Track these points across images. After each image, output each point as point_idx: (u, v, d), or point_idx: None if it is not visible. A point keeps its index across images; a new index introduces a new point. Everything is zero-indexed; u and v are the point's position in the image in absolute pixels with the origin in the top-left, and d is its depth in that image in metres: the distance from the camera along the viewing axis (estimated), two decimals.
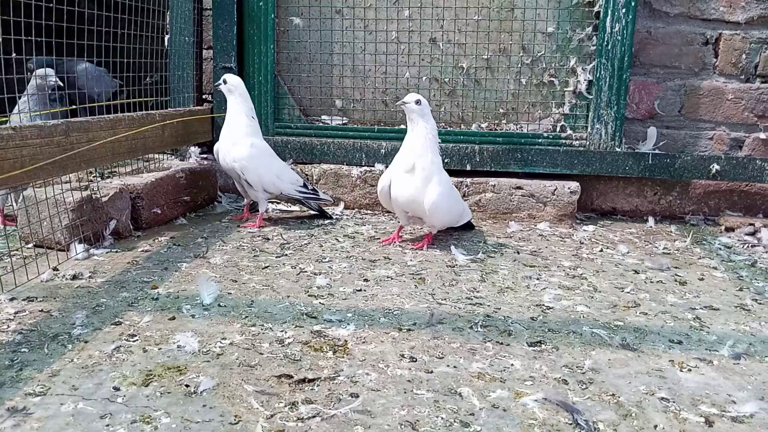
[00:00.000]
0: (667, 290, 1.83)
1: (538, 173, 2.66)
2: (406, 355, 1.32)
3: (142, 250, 1.98)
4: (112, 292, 1.61)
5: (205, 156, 2.80)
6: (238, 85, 2.34)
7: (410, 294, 1.70)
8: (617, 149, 2.63)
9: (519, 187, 2.61)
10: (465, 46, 2.69)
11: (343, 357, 1.30)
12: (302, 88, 2.80)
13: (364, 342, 1.38)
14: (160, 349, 1.30)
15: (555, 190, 2.59)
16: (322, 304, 1.60)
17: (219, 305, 1.55)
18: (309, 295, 1.65)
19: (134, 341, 1.33)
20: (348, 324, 1.46)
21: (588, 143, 2.65)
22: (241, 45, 2.74)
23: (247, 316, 1.49)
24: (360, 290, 1.71)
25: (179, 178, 2.38)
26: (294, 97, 2.82)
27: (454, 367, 1.28)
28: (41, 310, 1.47)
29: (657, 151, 2.66)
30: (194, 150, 2.73)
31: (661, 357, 1.37)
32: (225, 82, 2.33)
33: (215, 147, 2.39)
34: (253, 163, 2.28)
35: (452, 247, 2.11)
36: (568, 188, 2.59)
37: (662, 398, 1.18)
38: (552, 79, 2.67)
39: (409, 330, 1.45)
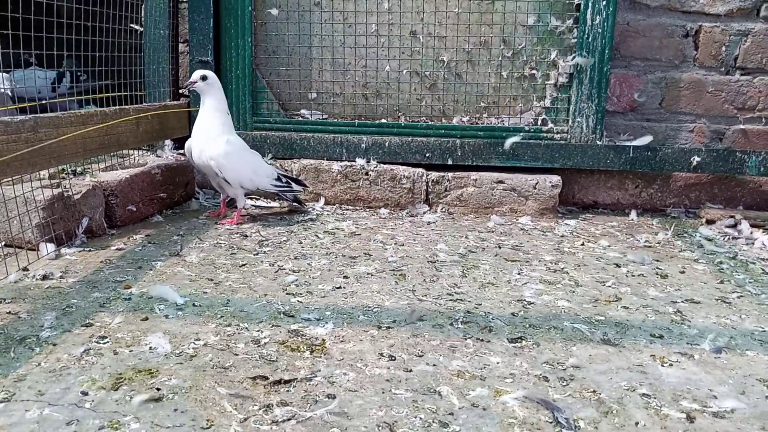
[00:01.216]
0: (648, 284, 1.82)
1: (519, 167, 2.64)
2: (385, 354, 1.29)
3: (116, 249, 1.94)
4: (84, 292, 1.57)
5: (180, 151, 2.74)
6: (215, 81, 2.30)
7: (390, 291, 1.67)
8: (598, 142, 2.63)
9: (501, 181, 2.60)
10: (446, 39, 2.67)
11: (321, 357, 1.27)
12: (281, 82, 2.76)
13: (342, 341, 1.35)
14: (131, 351, 1.26)
15: (536, 183, 2.58)
16: (300, 302, 1.57)
17: (194, 305, 1.51)
18: (287, 293, 1.62)
19: (105, 343, 1.29)
20: (326, 322, 1.43)
21: (569, 137, 2.64)
22: (218, 38, 2.69)
23: (222, 316, 1.45)
24: (339, 287, 1.68)
25: (155, 175, 2.33)
26: (273, 91, 2.77)
27: (434, 365, 1.25)
28: (9, 312, 1.42)
29: (637, 144, 2.65)
30: (168, 144, 2.67)
31: (642, 352, 1.36)
32: (204, 78, 2.27)
33: (187, 143, 2.33)
34: (230, 159, 2.23)
35: (435, 243, 2.09)
36: (550, 182, 2.58)
37: (643, 394, 1.17)
38: (533, 72, 2.66)
39: (389, 328, 1.42)
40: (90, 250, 1.91)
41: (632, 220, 2.65)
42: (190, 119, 2.70)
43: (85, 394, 1.09)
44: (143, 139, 2.31)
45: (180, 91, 2.85)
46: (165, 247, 1.97)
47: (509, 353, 1.32)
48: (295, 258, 1.93)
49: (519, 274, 1.86)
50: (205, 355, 1.25)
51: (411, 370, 1.23)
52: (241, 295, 1.60)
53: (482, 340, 1.38)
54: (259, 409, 1.07)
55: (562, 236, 2.33)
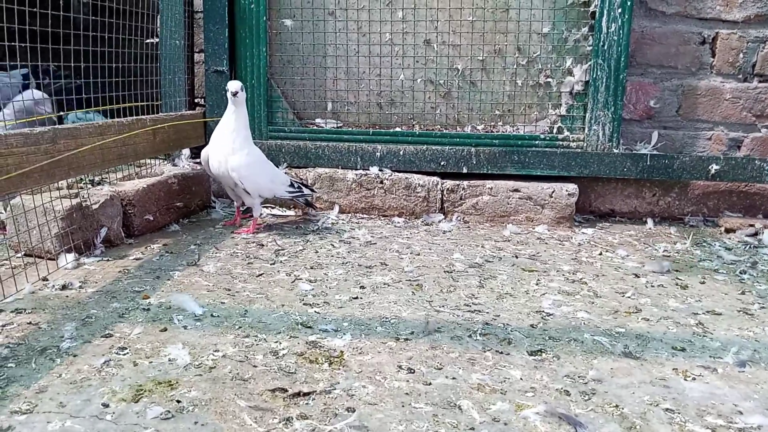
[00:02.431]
0: (668, 294, 1.80)
1: (535, 175, 2.63)
2: (404, 366, 1.28)
3: (134, 258, 1.94)
4: (103, 302, 1.57)
5: (197, 160, 2.76)
6: (244, 95, 2.32)
7: (407, 301, 1.67)
8: (615, 150, 2.61)
9: (516, 190, 2.58)
10: (460, 47, 2.67)
11: (339, 369, 1.26)
12: (296, 91, 2.77)
13: (360, 353, 1.34)
14: (150, 362, 1.26)
15: (553, 192, 2.56)
16: (318, 312, 1.56)
17: (212, 315, 1.51)
18: (304, 304, 1.62)
19: (124, 354, 1.29)
20: (344, 334, 1.43)
21: (585, 144, 2.62)
22: (233, 48, 2.70)
23: (240, 327, 1.45)
24: (356, 298, 1.68)
25: (171, 184, 2.34)
26: (287, 100, 2.78)
27: (453, 378, 1.24)
28: (29, 323, 1.43)
29: (655, 152, 2.63)
30: (186, 153, 2.69)
31: (664, 365, 1.34)
32: (242, 90, 2.26)
33: (204, 153, 2.33)
34: (251, 170, 2.24)
35: (451, 252, 2.08)
36: (566, 190, 2.57)
37: (667, 409, 1.15)
38: (548, 80, 2.65)
39: (407, 339, 1.42)
40: (108, 260, 1.92)
41: (650, 228, 2.62)
42: (206, 129, 2.72)
43: (106, 406, 1.09)
44: (160, 148, 2.32)
45: (195, 100, 2.87)
46: (182, 257, 1.98)
47: (529, 366, 1.31)
48: (311, 267, 1.93)
49: (537, 284, 1.84)
50: (224, 366, 1.25)
51: (430, 384, 1.22)
52: (259, 305, 1.60)
53: (502, 353, 1.37)
54: (279, 422, 1.06)
55: (580, 245, 2.31)
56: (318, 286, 1.75)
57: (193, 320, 1.48)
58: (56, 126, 1.71)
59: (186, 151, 2.73)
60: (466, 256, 2.10)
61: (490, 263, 2.04)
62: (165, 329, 1.42)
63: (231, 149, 2.24)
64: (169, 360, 1.27)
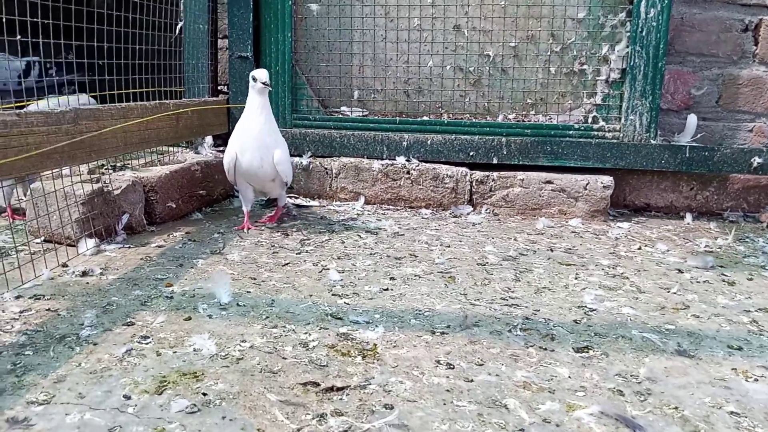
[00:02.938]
0: (715, 291, 1.70)
1: (568, 167, 2.53)
2: (442, 362, 1.20)
3: (156, 246, 1.88)
4: (124, 290, 1.51)
5: (221, 148, 2.70)
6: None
7: (440, 294, 1.58)
8: (652, 141, 2.50)
9: (549, 182, 2.49)
10: (491, 33, 2.57)
11: (374, 363, 1.19)
12: (321, 79, 2.69)
13: (395, 346, 1.26)
14: (175, 352, 1.19)
15: (587, 184, 2.46)
16: (347, 303, 1.49)
17: (238, 304, 1.44)
18: (333, 294, 1.54)
19: (147, 344, 1.23)
20: (376, 326, 1.35)
21: (621, 135, 2.52)
22: (258, 33, 2.63)
23: (267, 317, 1.38)
24: (387, 289, 1.60)
25: (194, 171, 2.28)
26: (312, 87, 2.71)
27: (497, 375, 1.16)
28: (48, 309, 1.37)
29: (694, 144, 2.52)
30: (209, 141, 2.62)
31: (721, 365, 1.24)
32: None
33: (231, 151, 2.07)
34: (288, 161, 2.15)
35: (482, 245, 2.00)
36: (601, 182, 2.47)
37: (732, 412, 1.06)
38: (583, 67, 2.54)
39: (443, 333, 1.34)
40: (130, 247, 1.86)
41: (688, 223, 2.51)
42: (230, 116, 2.65)
43: (127, 398, 1.02)
44: (183, 134, 2.26)
45: (219, 87, 2.81)
46: (206, 245, 1.91)
47: (576, 364, 1.22)
48: (339, 258, 1.85)
49: (576, 278, 1.75)
50: (252, 358, 1.18)
51: (472, 380, 1.13)
52: (286, 295, 1.52)
53: (545, 349, 1.28)
54: (313, 418, 0.99)
55: (617, 239, 2.21)
56: (346, 277, 1.67)
57: (219, 309, 1.41)
58: (78, 106, 1.65)
59: (209, 139, 2.67)
60: (498, 249, 2.01)
61: (525, 256, 1.95)
62: (189, 318, 1.35)
63: (273, 142, 2.09)
64: (194, 350, 1.20)
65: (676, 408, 1.07)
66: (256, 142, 2.07)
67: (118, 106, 1.82)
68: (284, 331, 1.31)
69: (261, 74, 2.07)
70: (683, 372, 1.21)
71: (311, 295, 1.53)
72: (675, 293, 1.67)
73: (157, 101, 2.08)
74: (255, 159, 2.06)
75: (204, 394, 1.04)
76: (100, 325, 1.30)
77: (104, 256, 1.77)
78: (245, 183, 2.11)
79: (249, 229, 2.11)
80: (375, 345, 1.26)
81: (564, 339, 1.34)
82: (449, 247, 2.02)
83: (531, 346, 1.29)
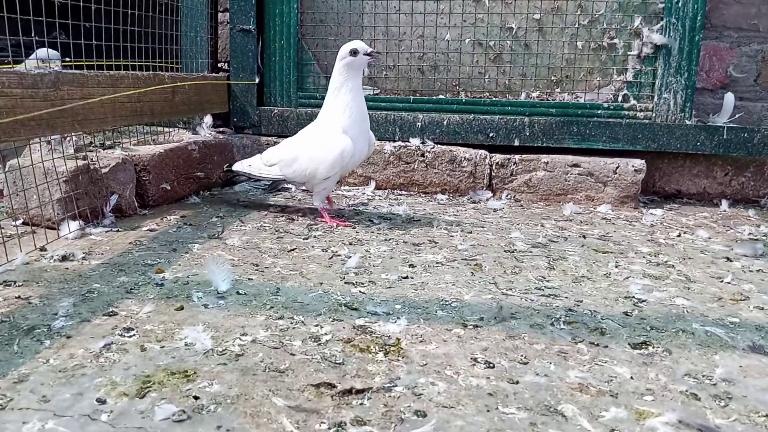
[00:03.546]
0: None
1: (596, 149, 2.34)
2: (479, 359, 1.01)
3: (148, 230, 1.70)
4: (108, 276, 1.33)
5: (220, 129, 2.51)
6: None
7: (467, 283, 1.40)
8: (687, 122, 2.31)
9: (576, 165, 2.30)
10: (513, 4, 2.38)
11: (398, 360, 1.00)
12: (329, 54, 2.50)
13: (421, 341, 1.08)
14: (162, 347, 1.01)
15: (617, 168, 2.27)
16: (363, 293, 1.30)
17: (238, 293, 1.25)
18: (346, 282, 1.36)
19: (130, 337, 1.04)
20: (398, 318, 1.16)
21: (654, 115, 2.33)
22: (261, 5, 2.44)
23: (272, 307, 1.19)
24: (406, 277, 1.41)
25: (192, 151, 2.09)
26: (320, 63, 2.52)
27: (545, 375, 0.97)
28: (18, 297, 1.19)
29: (732, 125, 2.32)
30: (207, 121, 2.43)
31: None
32: (355, 53, 1.79)
33: (343, 138, 1.78)
34: None
35: (508, 231, 1.81)
36: (632, 166, 2.27)
37: None
38: (613, 41, 2.35)
39: (476, 326, 1.15)
40: (118, 230, 1.67)
41: (724, 210, 2.32)
42: (230, 93, 2.47)
43: (102, 402, 0.84)
44: (179, 110, 2.07)
45: (219, 64, 2.62)
46: (203, 230, 1.73)
47: (637, 362, 1.03)
48: (350, 243, 1.66)
49: (616, 267, 1.56)
50: (254, 354, 0.99)
51: (517, 382, 0.95)
52: (293, 282, 1.34)
53: (597, 345, 1.10)
54: (329, 428, 0.80)
55: (652, 226, 2.03)
56: (360, 264, 1.49)
57: (216, 298, 1.22)
58: (60, 70, 1.47)
59: (208, 119, 2.47)
60: (526, 236, 1.82)
61: (555, 243, 1.76)
62: (181, 308, 1.17)
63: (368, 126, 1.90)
64: (186, 345, 1.02)
65: (767, 416, 0.88)
66: (364, 125, 1.86)
67: (107, 73, 1.64)
68: (292, 323, 1.12)
69: (361, 44, 1.80)
70: (763, 372, 1.02)
71: (321, 283, 1.34)
72: (729, 283, 1.48)
73: (152, 72, 1.89)
74: (364, 144, 1.87)
75: (196, 398, 0.86)
76: (76, 315, 1.11)
77: (89, 239, 1.58)
78: (338, 174, 1.86)
79: (339, 225, 1.84)
80: (398, 339, 1.08)
81: (617, 333, 1.15)
82: (471, 233, 1.84)
83: (580, 342, 1.10)
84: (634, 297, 1.35)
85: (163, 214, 1.87)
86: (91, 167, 1.67)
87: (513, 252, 1.66)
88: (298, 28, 2.45)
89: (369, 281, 1.38)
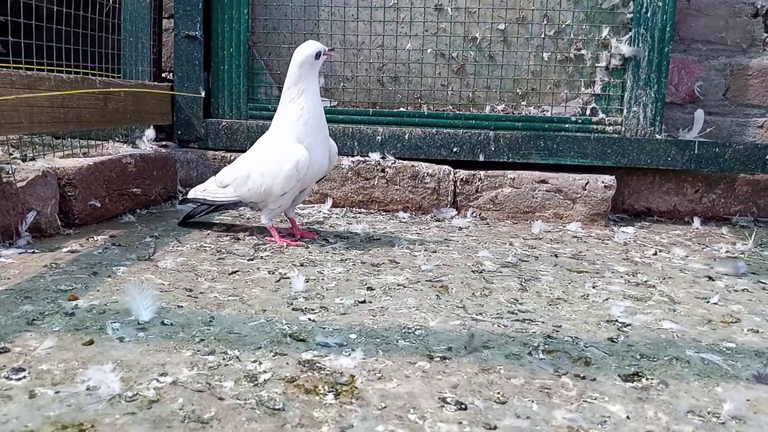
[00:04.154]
0: (761, 301, 1.40)
1: (564, 165, 2.22)
2: (449, 399, 0.85)
3: (69, 251, 1.49)
4: (9, 305, 1.12)
5: (164, 143, 2.31)
6: None
7: (432, 307, 1.24)
8: (657, 136, 2.22)
9: (543, 181, 2.18)
10: (476, 13, 2.27)
11: (351, 403, 0.83)
12: (282, 63, 2.34)
13: (380, 377, 0.90)
14: (57, 392, 0.81)
15: (587, 184, 2.16)
16: (313, 320, 1.12)
17: (162, 323, 1.06)
18: (293, 309, 1.18)
19: (19, 380, 0.84)
20: (352, 350, 0.99)
21: (623, 129, 2.23)
22: (209, 10, 2.28)
23: (202, 339, 1.01)
24: (363, 302, 1.24)
25: (127, 165, 1.89)
26: (272, 73, 2.36)
27: (527, 417, 0.81)
28: None
29: (704, 139, 2.24)
30: (149, 135, 2.23)
31: None
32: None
33: (298, 148, 1.61)
34: None
35: (475, 250, 1.66)
36: (602, 182, 2.17)
37: None
38: (580, 53, 2.25)
39: (444, 358, 0.98)
40: (34, 252, 1.46)
41: (697, 228, 2.23)
42: (174, 104, 2.28)
43: None
44: (112, 120, 1.88)
45: (163, 74, 2.43)
46: (133, 250, 1.53)
47: (631, 398, 0.88)
48: (302, 265, 1.49)
49: (594, 287, 1.43)
50: (172, 399, 0.81)
51: (495, 427, 0.78)
52: (231, 310, 1.15)
53: (584, 378, 0.94)
54: None
55: (625, 244, 1.91)
56: (312, 287, 1.31)
57: (135, 329, 1.03)
58: None
59: (150, 132, 2.27)
60: (494, 255, 1.68)
61: (526, 262, 1.62)
62: (91, 342, 0.97)
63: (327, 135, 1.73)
64: (88, 389, 0.82)
65: None
66: (322, 133, 1.68)
67: (21, 72, 1.44)
68: (224, 358, 0.94)
69: (319, 44, 1.65)
70: None
71: (265, 310, 1.16)
72: (716, 304, 1.36)
73: (80, 74, 1.69)
74: (323, 154, 1.68)
75: None
76: None
77: None
78: (296, 189, 1.66)
79: (289, 245, 1.66)
80: (352, 377, 0.90)
81: (603, 364, 1.00)
82: (435, 252, 1.68)
83: (564, 374, 0.95)
84: (617, 320, 1.21)
85: (90, 233, 1.66)
86: (4, 180, 1.46)
87: (481, 272, 1.51)
88: (248, 35, 2.29)
89: (321, 307, 1.20)
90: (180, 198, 1.86)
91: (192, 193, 1.77)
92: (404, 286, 1.36)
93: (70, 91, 1.57)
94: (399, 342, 1.04)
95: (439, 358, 0.98)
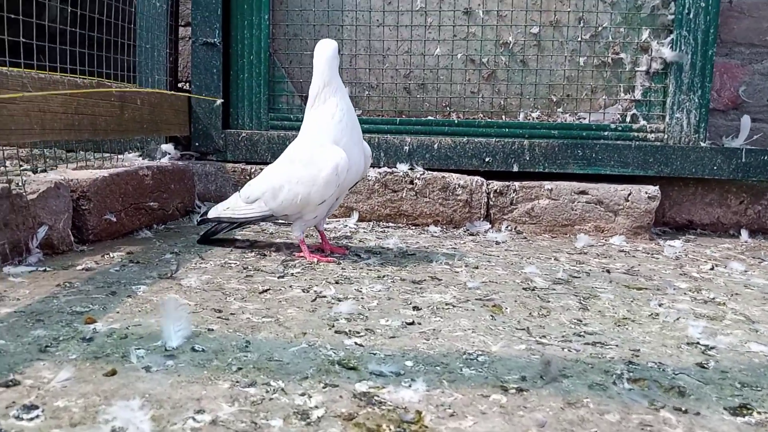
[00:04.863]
0: None
1: (603, 174, 2.10)
2: None
3: (84, 269, 1.37)
4: (19, 329, 0.99)
5: (181, 155, 2.20)
6: None
7: (489, 329, 1.11)
8: (702, 144, 2.09)
9: (583, 192, 2.05)
10: (508, 17, 2.16)
11: None
12: (304, 71, 2.23)
13: (451, 414, 0.77)
14: None
15: (629, 195, 2.03)
16: (360, 345, 1.00)
17: (193, 349, 0.94)
18: (336, 332, 1.05)
19: (31, 419, 0.71)
20: (413, 380, 0.86)
21: (666, 136, 2.11)
22: (228, 16, 2.18)
23: (240, 368, 0.88)
24: (411, 323, 1.12)
25: (143, 177, 1.78)
26: (293, 81, 2.25)
27: None
28: None
29: (751, 147, 2.12)
30: (167, 148, 2.12)
31: None
32: None
33: (341, 160, 1.47)
34: None
35: (520, 266, 1.54)
36: (646, 193, 2.04)
37: None
38: (618, 57, 2.14)
39: (521, 390, 0.85)
40: (46, 270, 1.34)
41: (746, 242, 2.10)
42: (191, 114, 2.17)
43: None
44: (129, 128, 1.77)
45: (179, 83, 2.33)
46: (153, 268, 1.41)
47: None
48: (337, 282, 1.36)
49: (660, 306, 1.29)
50: None
51: None
52: (267, 333, 1.03)
53: (686, 411, 0.81)
54: None
55: (677, 259, 1.78)
56: (352, 307, 1.18)
57: (163, 357, 0.90)
58: None
59: (168, 147, 2.16)
60: (542, 271, 1.55)
61: (579, 279, 1.49)
62: (113, 372, 0.85)
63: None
64: (114, 430, 0.69)
65: None
66: (356, 133, 1.55)
67: (34, 74, 1.33)
68: (267, 391, 0.81)
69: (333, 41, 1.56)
70: None
71: (305, 333, 1.03)
72: None
73: (96, 79, 1.59)
74: (359, 156, 1.55)
75: None
76: None
77: (6, 282, 1.25)
78: (334, 196, 1.54)
79: (320, 261, 1.54)
80: (419, 413, 0.77)
81: (701, 394, 0.87)
82: (477, 268, 1.55)
83: (661, 408, 0.82)
84: (698, 343, 1.08)
85: (105, 250, 1.54)
86: (14, 192, 1.35)
87: (533, 290, 1.38)
88: (269, 42, 2.19)
89: (366, 329, 1.07)
90: (199, 219, 1.73)
91: (213, 212, 1.63)
92: (453, 306, 1.23)
93: (85, 91, 1.46)
94: (463, 370, 0.91)
95: (514, 390, 0.85)
